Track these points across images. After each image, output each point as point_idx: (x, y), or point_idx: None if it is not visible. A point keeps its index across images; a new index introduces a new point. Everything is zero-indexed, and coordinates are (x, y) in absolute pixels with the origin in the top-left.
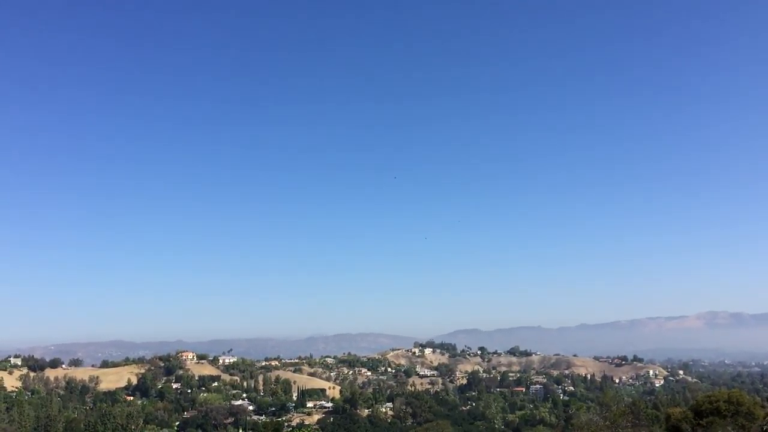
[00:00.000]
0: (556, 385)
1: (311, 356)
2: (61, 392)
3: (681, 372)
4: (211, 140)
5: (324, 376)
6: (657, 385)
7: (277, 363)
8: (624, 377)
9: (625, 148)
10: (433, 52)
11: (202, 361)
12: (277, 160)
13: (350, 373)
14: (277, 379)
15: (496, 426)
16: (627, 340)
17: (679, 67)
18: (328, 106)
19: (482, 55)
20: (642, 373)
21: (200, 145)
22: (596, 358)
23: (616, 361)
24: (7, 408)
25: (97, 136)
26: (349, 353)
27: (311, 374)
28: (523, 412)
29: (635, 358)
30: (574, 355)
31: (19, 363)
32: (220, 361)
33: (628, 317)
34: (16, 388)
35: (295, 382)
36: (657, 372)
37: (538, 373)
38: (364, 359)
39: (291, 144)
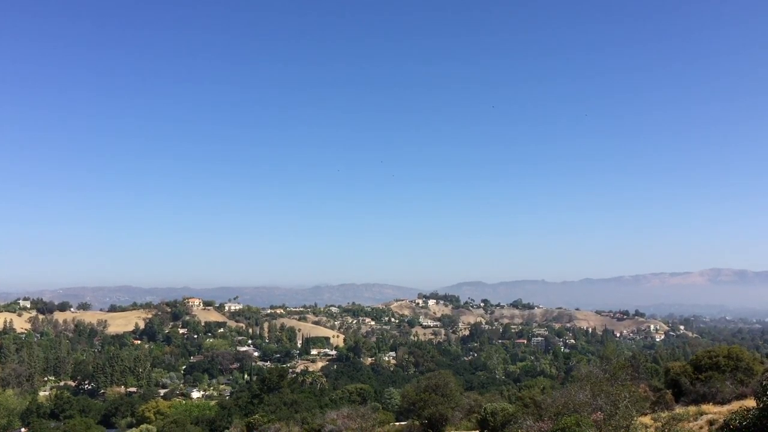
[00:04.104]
0: (557, 338)
1: (316, 305)
2: (70, 335)
3: (682, 327)
4: (214, 90)
5: (328, 324)
6: (657, 339)
7: (282, 311)
8: (625, 331)
9: (629, 100)
10: None
11: (209, 307)
12: (282, 109)
13: (354, 322)
14: (282, 326)
15: (498, 376)
16: (630, 295)
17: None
18: (332, 46)
19: None
20: (643, 328)
21: (204, 91)
22: (598, 312)
23: (617, 315)
24: (17, 349)
25: (106, 76)
26: (354, 303)
27: (316, 323)
28: (524, 363)
29: (637, 313)
30: (577, 309)
31: (29, 305)
32: (226, 308)
33: (632, 272)
34: (26, 330)
35: (299, 330)
36: (658, 327)
37: (540, 326)
38: (369, 309)
39: (293, 89)
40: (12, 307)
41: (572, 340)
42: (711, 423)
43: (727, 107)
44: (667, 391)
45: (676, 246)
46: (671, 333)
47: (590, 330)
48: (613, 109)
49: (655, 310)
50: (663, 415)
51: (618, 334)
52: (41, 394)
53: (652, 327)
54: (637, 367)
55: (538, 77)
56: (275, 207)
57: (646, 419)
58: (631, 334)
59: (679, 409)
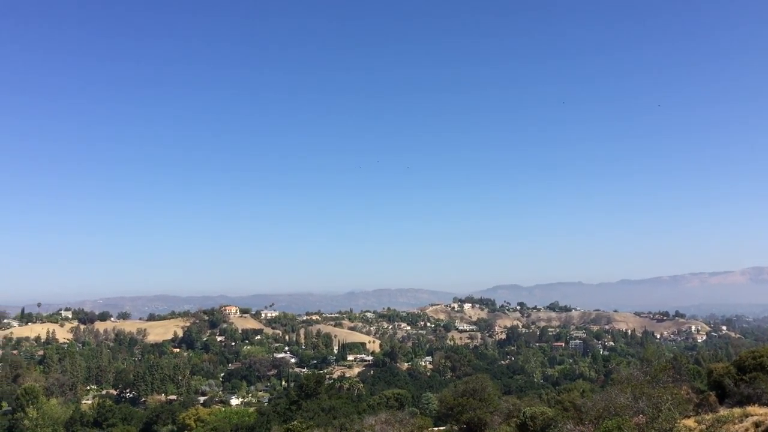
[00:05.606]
0: (595, 341)
1: (351, 311)
2: (111, 344)
3: (724, 327)
4: (237, 100)
5: (364, 330)
6: (699, 340)
7: (317, 317)
8: (665, 333)
9: (662, 96)
10: None
11: (245, 315)
12: (312, 116)
13: (390, 327)
14: (318, 332)
15: (536, 380)
16: (669, 296)
17: None
18: (355, 51)
19: None
20: (684, 329)
21: (228, 103)
22: (637, 314)
23: (657, 316)
24: (60, 359)
25: (152, 85)
26: (389, 308)
27: (351, 328)
28: (562, 366)
29: (677, 314)
30: (615, 311)
31: (70, 316)
32: (263, 315)
33: (671, 273)
34: (68, 339)
35: (335, 336)
36: (699, 328)
37: (577, 329)
38: (404, 314)
39: (323, 95)
40: (54, 317)
41: (611, 343)
42: (757, 425)
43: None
44: (711, 393)
45: (715, 245)
46: (713, 334)
47: (629, 332)
48: (648, 107)
49: (695, 311)
50: (707, 417)
51: (658, 336)
52: (84, 402)
53: (693, 328)
54: (678, 369)
55: (578, 77)
56: (309, 214)
57: (690, 422)
58: (671, 336)
59: (723, 411)
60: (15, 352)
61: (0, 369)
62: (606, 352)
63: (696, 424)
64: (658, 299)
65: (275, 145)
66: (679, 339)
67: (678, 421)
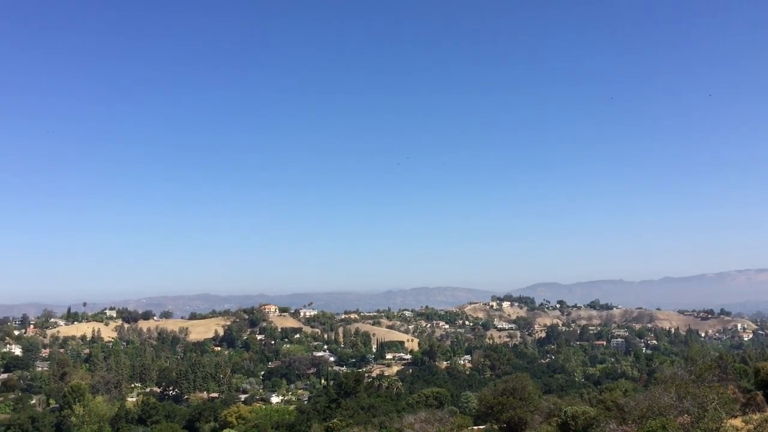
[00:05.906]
0: (638, 339)
1: (389, 309)
2: (154, 342)
3: None
4: (277, 103)
5: (402, 329)
6: (745, 338)
7: (356, 316)
8: (710, 331)
9: (705, 96)
10: None
11: (284, 313)
12: (350, 108)
13: (428, 326)
14: (357, 331)
15: (576, 379)
16: (714, 293)
17: None
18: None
19: None
20: (729, 327)
21: (263, 101)
22: (681, 312)
23: (701, 314)
24: (105, 357)
25: (181, 88)
26: (427, 307)
27: (390, 327)
28: (604, 365)
29: (722, 312)
30: (658, 309)
31: (114, 315)
32: (302, 314)
33: (716, 270)
34: (112, 338)
35: (374, 335)
36: (745, 326)
37: (619, 327)
38: (442, 312)
39: (357, 94)
40: (99, 317)
41: (654, 341)
42: None
43: None
44: (758, 392)
45: (762, 241)
46: (760, 332)
47: (672, 330)
48: (688, 104)
49: (741, 309)
50: (754, 417)
51: (702, 334)
52: (129, 400)
53: (739, 326)
54: (724, 368)
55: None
56: (345, 213)
57: (737, 422)
58: (716, 334)
59: None
60: (62, 350)
61: (48, 367)
62: (649, 351)
63: (743, 424)
64: (702, 297)
65: (313, 147)
66: (724, 337)
67: (724, 421)
